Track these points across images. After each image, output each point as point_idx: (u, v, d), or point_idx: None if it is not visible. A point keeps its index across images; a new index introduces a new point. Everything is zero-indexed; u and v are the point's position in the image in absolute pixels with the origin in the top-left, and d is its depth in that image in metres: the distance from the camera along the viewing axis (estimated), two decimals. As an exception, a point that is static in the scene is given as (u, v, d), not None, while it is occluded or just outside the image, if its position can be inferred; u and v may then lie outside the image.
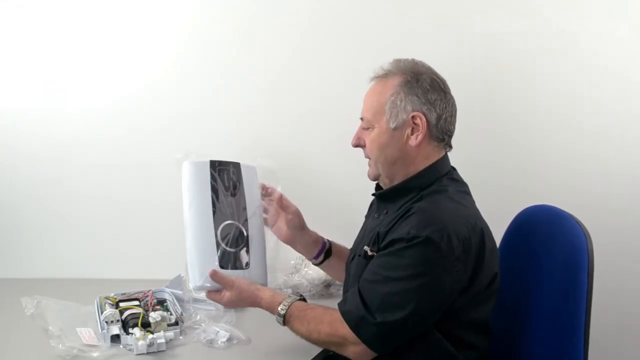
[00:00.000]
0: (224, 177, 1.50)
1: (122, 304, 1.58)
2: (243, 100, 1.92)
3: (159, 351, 1.44)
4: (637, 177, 1.86)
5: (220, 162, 1.51)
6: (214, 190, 1.47)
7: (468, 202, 1.37)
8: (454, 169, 1.43)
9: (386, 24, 1.87)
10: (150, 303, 1.59)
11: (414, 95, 1.32)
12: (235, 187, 1.50)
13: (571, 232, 1.28)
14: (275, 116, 1.92)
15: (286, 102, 1.92)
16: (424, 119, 1.33)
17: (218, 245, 1.43)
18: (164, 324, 1.51)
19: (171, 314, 1.56)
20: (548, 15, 1.83)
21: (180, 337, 1.51)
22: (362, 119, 1.40)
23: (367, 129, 1.38)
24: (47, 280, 1.87)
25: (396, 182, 1.38)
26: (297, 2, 1.87)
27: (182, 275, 1.69)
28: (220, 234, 1.44)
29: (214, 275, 1.41)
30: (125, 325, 1.49)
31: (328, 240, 1.65)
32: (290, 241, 1.62)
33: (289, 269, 1.90)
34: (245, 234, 1.47)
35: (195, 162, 1.51)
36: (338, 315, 1.30)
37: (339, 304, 1.32)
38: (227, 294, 1.41)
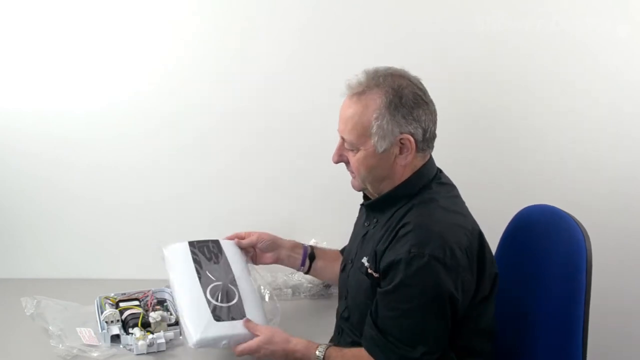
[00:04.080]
0: (204, 251, 1.56)
1: (122, 304, 1.58)
2: (242, 101, 1.92)
3: (159, 351, 1.45)
4: (636, 177, 1.86)
5: (199, 241, 1.58)
6: (197, 262, 1.52)
7: (460, 206, 1.36)
8: (440, 170, 1.41)
9: (385, 25, 1.86)
10: (150, 303, 1.59)
11: (399, 116, 1.28)
12: (217, 257, 1.55)
13: (570, 231, 1.28)
14: (274, 116, 1.92)
15: (284, 103, 1.92)
16: (412, 139, 1.29)
17: (209, 302, 1.42)
18: (164, 324, 1.51)
19: (171, 314, 1.56)
20: (548, 15, 1.83)
21: (180, 337, 1.51)
22: (342, 137, 1.35)
23: (350, 147, 1.33)
24: (47, 280, 1.87)
25: (384, 193, 1.36)
26: (296, 3, 1.86)
27: None
28: (210, 293, 1.45)
29: (247, 324, 1.40)
30: (125, 325, 1.49)
31: (309, 245, 1.68)
32: (275, 260, 1.66)
33: (289, 268, 1.90)
34: (235, 290, 1.48)
35: (174, 246, 1.57)
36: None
37: (372, 353, 1.28)
38: (257, 340, 1.37)
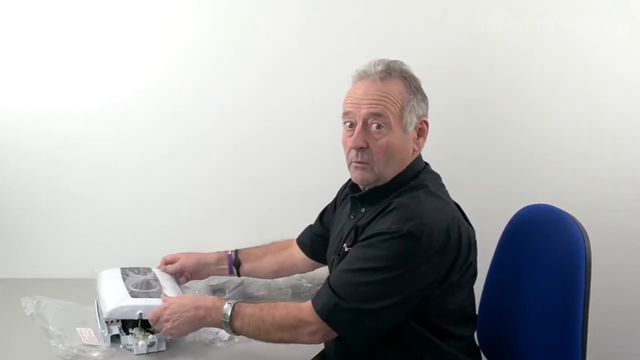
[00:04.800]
0: (134, 270, 1.67)
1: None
2: (242, 101, 1.92)
3: (159, 351, 1.44)
4: (636, 177, 1.86)
5: (130, 268, 1.68)
6: (124, 273, 1.63)
7: (445, 194, 1.38)
8: (426, 163, 1.44)
9: (385, 25, 1.86)
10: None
11: (421, 100, 1.36)
12: (145, 273, 1.66)
13: (569, 231, 1.27)
14: (273, 116, 1.92)
15: (284, 103, 1.92)
16: (428, 123, 1.38)
17: (128, 288, 1.54)
18: None
19: None
20: (548, 15, 1.83)
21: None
22: (367, 120, 1.31)
23: (380, 129, 1.30)
24: (47, 280, 1.88)
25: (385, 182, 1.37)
26: (296, 3, 1.86)
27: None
28: (130, 285, 1.56)
29: (163, 297, 1.49)
30: (125, 325, 1.49)
31: (234, 251, 1.73)
32: (207, 276, 1.76)
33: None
34: (156, 284, 1.58)
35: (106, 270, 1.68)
36: (293, 303, 1.33)
37: (312, 301, 1.30)
38: (168, 301, 1.44)
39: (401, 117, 1.32)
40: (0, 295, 1.77)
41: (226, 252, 1.73)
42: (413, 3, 1.86)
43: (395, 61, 1.38)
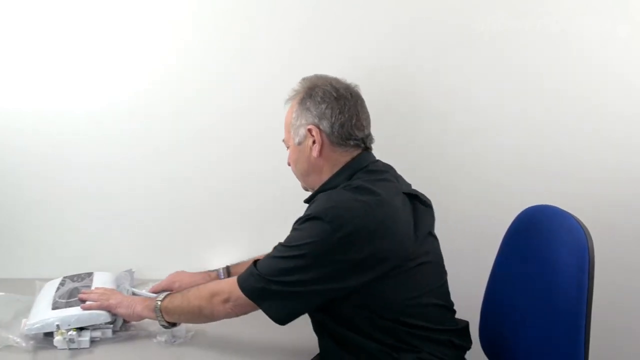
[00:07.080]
0: (74, 277, 1.70)
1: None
2: (242, 101, 1.92)
3: (80, 348, 1.44)
4: (636, 178, 1.86)
5: (72, 275, 1.71)
6: (62, 284, 1.65)
7: (380, 187, 1.35)
8: (374, 162, 1.45)
9: (385, 25, 1.86)
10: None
11: (306, 110, 1.42)
12: (83, 279, 1.68)
13: (572, 231, 1.27)
14: (274, 116, 1.91)
15: (281, 102, 1.91)
16: (317, 131, 1.40)
17: (53, 299, 1.55)
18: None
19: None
20: (548, 15, 1.83)
21: (114, 335, 1.50)
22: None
23: (287, 148, 1.50)
24: (47, 280, 1.86)
25: (315, 189, 1.46)
26: (296, 3, 1.86)
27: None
28: (57, 295, 1.57)
29: (80, 295, 1.54)
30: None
31: (225, 269, 1.75)
32: None
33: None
34: (88, 287, 1.61)
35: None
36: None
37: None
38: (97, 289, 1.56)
39: (289, 132, 1.47)
40: (-1, 295, 1.77)
41: (217, 272, 1.75)
42: (413, 3, 1.85)
43: (312, 76, 1.48)
